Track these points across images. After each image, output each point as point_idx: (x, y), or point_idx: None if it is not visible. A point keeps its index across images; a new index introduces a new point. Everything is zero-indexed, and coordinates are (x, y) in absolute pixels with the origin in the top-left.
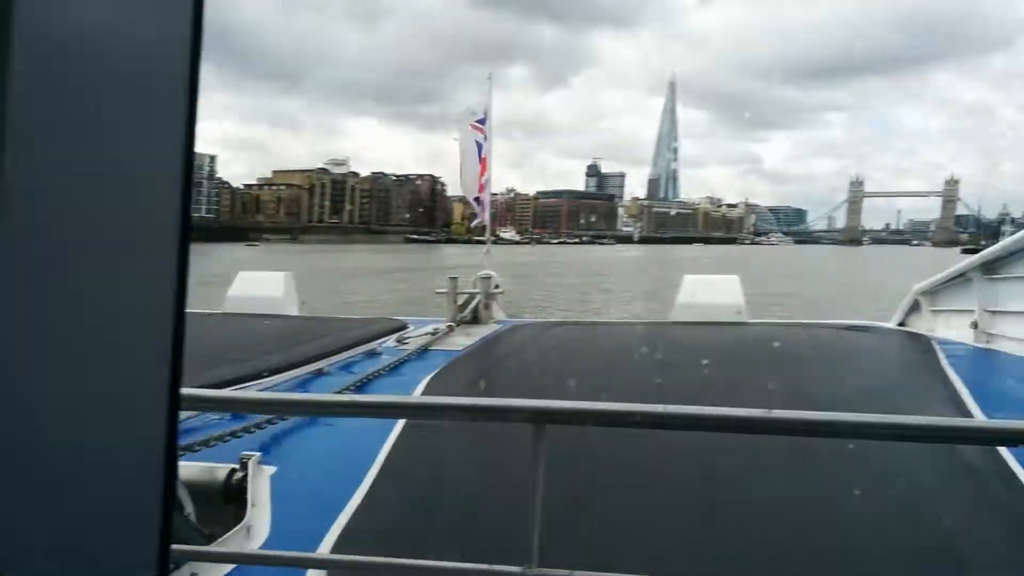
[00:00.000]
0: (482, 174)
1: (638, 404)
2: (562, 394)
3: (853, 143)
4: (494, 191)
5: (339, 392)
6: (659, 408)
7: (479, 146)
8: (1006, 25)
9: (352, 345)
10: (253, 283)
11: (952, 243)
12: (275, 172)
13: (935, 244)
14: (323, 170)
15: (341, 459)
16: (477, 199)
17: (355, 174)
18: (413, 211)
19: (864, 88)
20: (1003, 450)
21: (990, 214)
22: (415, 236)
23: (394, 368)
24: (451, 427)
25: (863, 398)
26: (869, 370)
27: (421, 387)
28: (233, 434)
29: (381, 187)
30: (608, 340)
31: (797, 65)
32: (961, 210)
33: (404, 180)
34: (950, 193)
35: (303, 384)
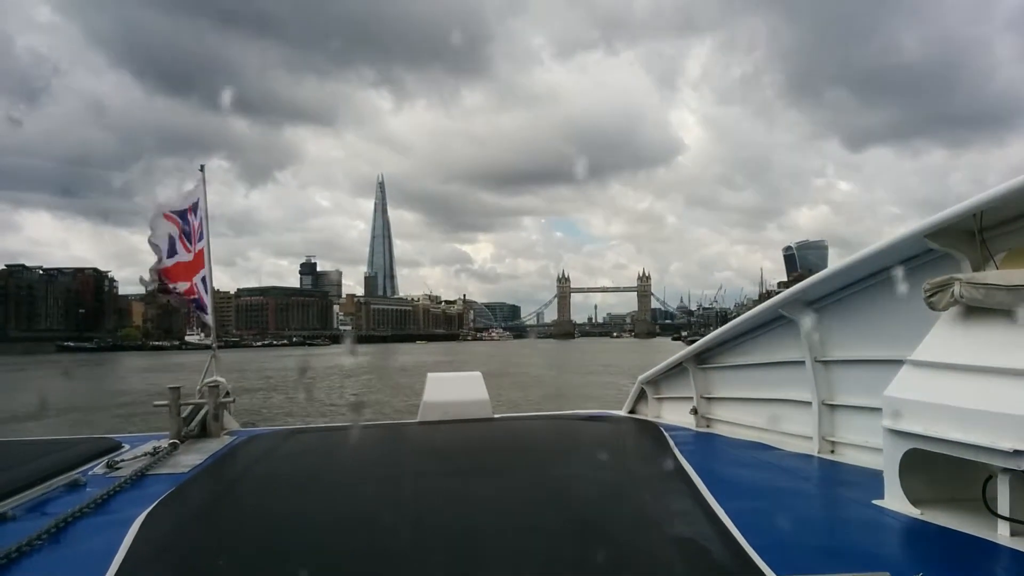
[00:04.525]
0: (198, 268)
1: None
2: (311, 518)
3: (548, 244)
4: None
5: (30, 542)
6: None
7: (171, 239)
8: (665, 145)
9: (48, 476)
10: None
11: (651, 334)
12: None
13: (637, 336)
14: None
15: None
16: (194, 300)
17: None
18: (72, 313)
19: (553, 195)
20: None
21: (673, 306)
22: (71, 344)
23: (102, 503)
24: None
25: (614, 492)
26: (612, 461)
27: (135, 528)
28: None
29: (21, 283)
30: (355, 446)
31: (493, 172)
32: (653, 303)
33: (55, 275)
34: (644, 288)
35: None
